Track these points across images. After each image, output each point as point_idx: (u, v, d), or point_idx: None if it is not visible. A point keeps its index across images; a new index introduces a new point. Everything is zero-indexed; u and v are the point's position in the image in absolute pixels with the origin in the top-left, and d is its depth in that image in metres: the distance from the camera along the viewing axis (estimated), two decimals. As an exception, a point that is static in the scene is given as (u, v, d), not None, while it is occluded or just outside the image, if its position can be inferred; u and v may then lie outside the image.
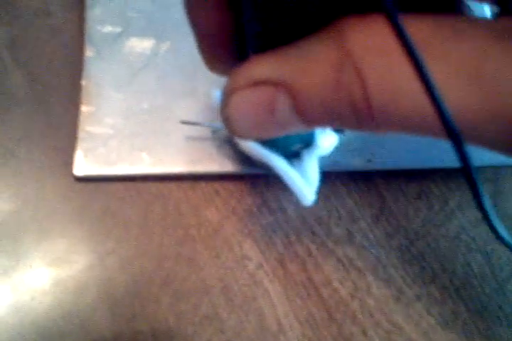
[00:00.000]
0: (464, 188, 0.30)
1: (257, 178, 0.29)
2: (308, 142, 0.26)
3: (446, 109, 0.14)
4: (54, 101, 0.30)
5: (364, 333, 0.27)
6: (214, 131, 0.29)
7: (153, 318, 0.27)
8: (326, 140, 0.27)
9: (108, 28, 0.32)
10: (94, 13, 0.32)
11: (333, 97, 0.16)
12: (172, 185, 0.29)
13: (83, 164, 0.28)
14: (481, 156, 0.29)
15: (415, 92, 0.14)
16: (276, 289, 0.28)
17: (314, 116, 0.17)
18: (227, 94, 0.18)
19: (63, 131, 0.30)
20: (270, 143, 0.26)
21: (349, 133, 0.29)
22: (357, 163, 0.29)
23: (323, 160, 0.28)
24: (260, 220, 0.29)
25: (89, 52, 0.31)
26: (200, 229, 0.28)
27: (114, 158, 0.29)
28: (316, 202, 0.27)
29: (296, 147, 0.26)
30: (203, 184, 0.29)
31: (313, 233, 0.29)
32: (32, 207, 0.28)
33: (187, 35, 0.32)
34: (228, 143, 0.29)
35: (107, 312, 0.27)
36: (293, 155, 0.27)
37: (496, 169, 0.31)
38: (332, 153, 0.28)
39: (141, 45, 0.31)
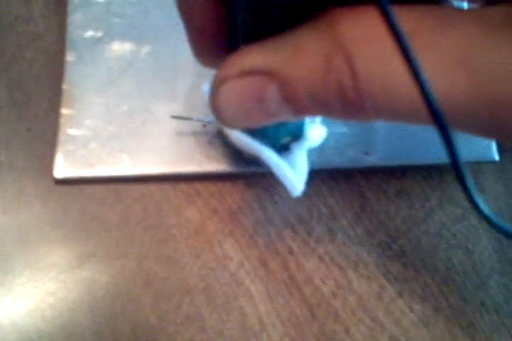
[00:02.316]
0: (444, 186, 0.30)
1: (238, 178, 0.30)
2: (298, 135, 0.27)
3: (432, 95, 0.14)
4: (34, 106, 0.31)
5: (346, 331, 0.27)
6: (204, 125, 0.29)
7: (135, 318, 0.27)
8: (315, 132, 0.27)
9: (89, 33, 0.32)
10: (75, 18, 0.32)
11: (322, 86, 0.16)
12: (153, 187, 0.29)
13: (63, 166, 0.29)
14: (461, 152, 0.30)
15: (405, 81, 0.15)
16: (258, 288, 0.28)
17: (303, 105, 0.17)
18: (217, 84, 0.18)
19: (44, 135, 0.30)
20: (260, 136, 0.26)
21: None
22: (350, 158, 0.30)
23: (314, 158, 0.28)
24: (241, 219, 0.29)
25: (70, 57, 0.31)
26: (181, 230, 0.29)
27: (94, 160, 0.29)
28: (302, 195, 0.27)
29: (285, 140, 0.27)
30: (183, 185, 0.29)
31: (295, 231, 0.29)
32: (12, 210, 0.28)
33: (167, 39, 0.33)
34: (218, 137, 0.29)
35: (88, 314, 0.27)
36: (282, 148, 0.27)
37: (477, 166, 0.31)
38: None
39: (121, 49, 0.32)
